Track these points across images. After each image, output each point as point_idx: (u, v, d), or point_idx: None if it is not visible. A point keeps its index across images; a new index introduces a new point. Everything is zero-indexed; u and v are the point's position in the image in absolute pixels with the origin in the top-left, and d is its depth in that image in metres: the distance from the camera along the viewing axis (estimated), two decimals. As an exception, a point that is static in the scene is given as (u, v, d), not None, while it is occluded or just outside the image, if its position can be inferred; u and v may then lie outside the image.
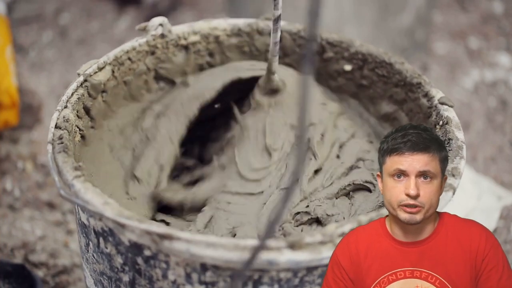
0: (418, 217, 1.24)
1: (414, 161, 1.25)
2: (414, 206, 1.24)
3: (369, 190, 1.59)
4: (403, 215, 1.25)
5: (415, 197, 1.24)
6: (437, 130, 1.58)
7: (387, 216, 1.32)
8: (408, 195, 1.24)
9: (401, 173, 1.25)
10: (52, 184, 2.46)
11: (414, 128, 1.29)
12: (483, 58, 3.16)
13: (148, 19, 1.85)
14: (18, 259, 2.21)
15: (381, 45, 2.80)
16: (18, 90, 2.73)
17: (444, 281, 1.26)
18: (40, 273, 2.17)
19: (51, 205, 2.41)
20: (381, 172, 1.31)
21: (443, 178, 1.30)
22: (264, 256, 1.27)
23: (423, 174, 1.25)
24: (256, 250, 1.16)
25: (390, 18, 2.95)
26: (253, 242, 1.28)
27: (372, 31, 2.94)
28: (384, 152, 1.28)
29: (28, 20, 3.34)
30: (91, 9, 3.44)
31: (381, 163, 1.30)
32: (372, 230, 1.31)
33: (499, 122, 2.83)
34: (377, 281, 1.28)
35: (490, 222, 2.35)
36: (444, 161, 1.29)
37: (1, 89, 2.59)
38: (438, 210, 1.30)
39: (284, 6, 2.62)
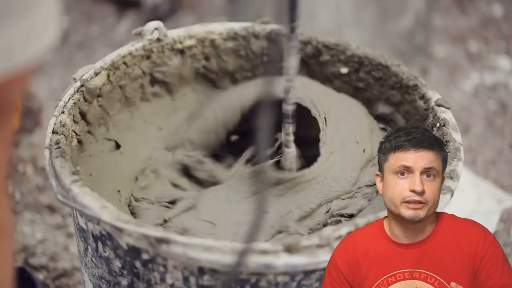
0: (422, 213, 1.24)
1: (419, 158, 1.25)
2: (419, 202, 1.24)
3: None
4: (406, 212, 1.25)
5: (421, 193, 1.24)
6: (434, 132, 1.58)
7: (385, 217, 1.32)
8: (414, 191, 1.24)
9: (405, 170, 1.26)
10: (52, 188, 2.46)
11: (416, 128, 1.31)
12: (483, 62, 3.16)
13: (148, 22, 1.85)
14: (18, 262, 2.22)
15: (381, 49, 2.80)
16: (19, 93, 2.73)
17: (443, 281, 1.26)
18: (40, 276, 2.17)
19: (51, 208, 2.42)
20: (381, 172, 1.31)
21: (442, 179, 1.31)
22: (261, 259, 1.28)
23: (427, 171, 1.25)
24: (242, 255, 1.17)
25: (390, 21, 2.95)
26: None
27: (371, 35, 2.94)
28: (387, 151, 1.29)
29: (28, 24, 3.34)
30: (91, 13, 3.44)
31: (382, 162, 1.30)
32: (370, 233, 1.31)
33: (499, 126, 2.83)
34: (376, 284, 1.28)
35: (490, 225, 2.35)
36: (445, 162, 1.30)
37: (2, 92, 2.59)
38: (436, 211, 1.30)
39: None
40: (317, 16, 2.86)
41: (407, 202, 1.25)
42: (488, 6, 3.47)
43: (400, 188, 1.26)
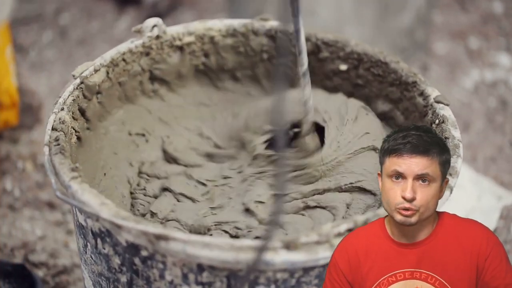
0: (413, 219, 1.24)
1: (412, 164, 1.24)
2: (409, 209, 1.24)
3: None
4: (398, 217, 1.25)
5: (411, 200, 1.23)
6: (433, 128, 1.57)
7: (386, 217, 1.32)
8: (404, 198, 1.24)
9: (399, 175, 1.25)
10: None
11: (416, 130, 1.29)
12: (483, 58, 3.15)
13: (148, 19, 1.85)
14: (18, 259, 2.22)
15: (381, 45, 2.80)
16: (18, 90, 2.73)
17: (443, 281, 1.26)
18: (40, 273, 2.17)
19: (51, 205, 2.42)
20: (381, 171, 1.31)
21: (444, 181, 1.29)
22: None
23: (421, 177, 1.24)
24: (260, 251, 1.17)
25: (390, 18, 2.95)
26: (248, 242, 1.28)
27: (372, 31, 2.93)
28: (384, 152, 1.28)
29: (28, 20, 3.34)
30: (91, 9, 3.43)
31: (381, 163, 1.30)
32: (371, 232, 1.31)
33: (499, 122, 2.82)
34: (376, 283, 1.28)
35: (490, 222, 2.35)
36: (445, 164, 1.28)
37: (1, 89, 2.59)
38: (437, 211, 1.30)
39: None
40: (318, 13, 2.85)
41: (399, 208, 1.24)
42: (488, 2, 3.47)
43: (393, 194, 1.25)
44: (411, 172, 1.24)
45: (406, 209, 1.23)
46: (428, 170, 1.24)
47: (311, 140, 1.66)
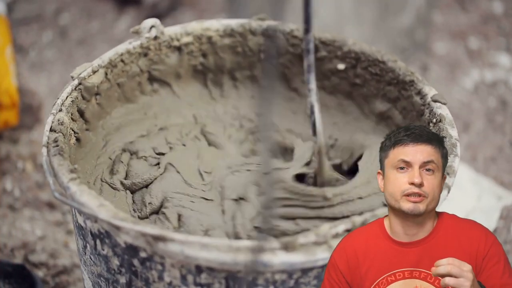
0: (422, 207, 1.24)
1: (417, 152, 1.26)
2: (418, 195, 1.24)
3: None
4: (406, 205, 1.24)
5: (420, 185, 1.24)
6: (430, 128, 1.58)
7: (385, 216, 1.32)
8: (412, 183, 1.24)
9: (404, 165, 1.26)
10: (50, 185, 2.47)
11: (416, 125, 1.32)
12: (483, 58, 3.15)
13: (145, 19, 1.85)
14: (18, 259, 2.22)
15: (381, 45, 2.80)
16: (18, 90, 2.73)
17: (444, 280, 1.26)
18: (40, 273, 2.18)
19: (51, 205, 2.42)
20: (382, 170, 1.31)
21: (443, 177, 1.30)
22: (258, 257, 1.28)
23: (426, 165, 1.26)
24: (257, 252, 1.17)
25: (390, 18, 2.95)
26: (246, 243, 1.28)
27: (372, 31, 2.94)
28: (387, 148, 1.30)
29: (28, 20, 3.35)
30: (91, 9, 3.44)
31: (383, 159, 1.31)
32: (370, 231, 1.31)
33: (499, 122, 2.82)
34: (375, 283, 1.28)
35: (490, 222, 2.35)
36: (444, 158, 1.30)
37: (1, 89, 2.60)
38: (437, 211, 1.30)
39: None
40: (317, 13, 2.85)
41: (407, 195, 1.25)
42: (488, 2, 3.47)
43: (399, 182, 1.26)
44: (417, 160, 1.25)
45: (416, 195, 1.24)
46: (433, 157, 1.26)
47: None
